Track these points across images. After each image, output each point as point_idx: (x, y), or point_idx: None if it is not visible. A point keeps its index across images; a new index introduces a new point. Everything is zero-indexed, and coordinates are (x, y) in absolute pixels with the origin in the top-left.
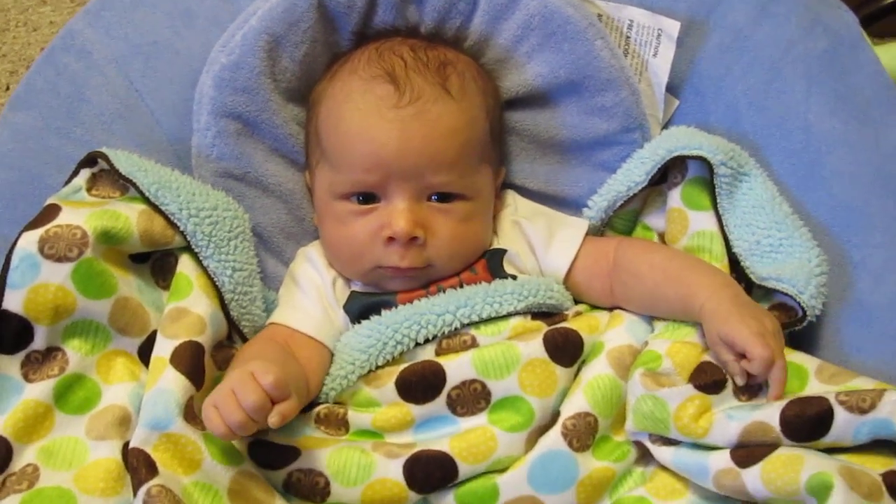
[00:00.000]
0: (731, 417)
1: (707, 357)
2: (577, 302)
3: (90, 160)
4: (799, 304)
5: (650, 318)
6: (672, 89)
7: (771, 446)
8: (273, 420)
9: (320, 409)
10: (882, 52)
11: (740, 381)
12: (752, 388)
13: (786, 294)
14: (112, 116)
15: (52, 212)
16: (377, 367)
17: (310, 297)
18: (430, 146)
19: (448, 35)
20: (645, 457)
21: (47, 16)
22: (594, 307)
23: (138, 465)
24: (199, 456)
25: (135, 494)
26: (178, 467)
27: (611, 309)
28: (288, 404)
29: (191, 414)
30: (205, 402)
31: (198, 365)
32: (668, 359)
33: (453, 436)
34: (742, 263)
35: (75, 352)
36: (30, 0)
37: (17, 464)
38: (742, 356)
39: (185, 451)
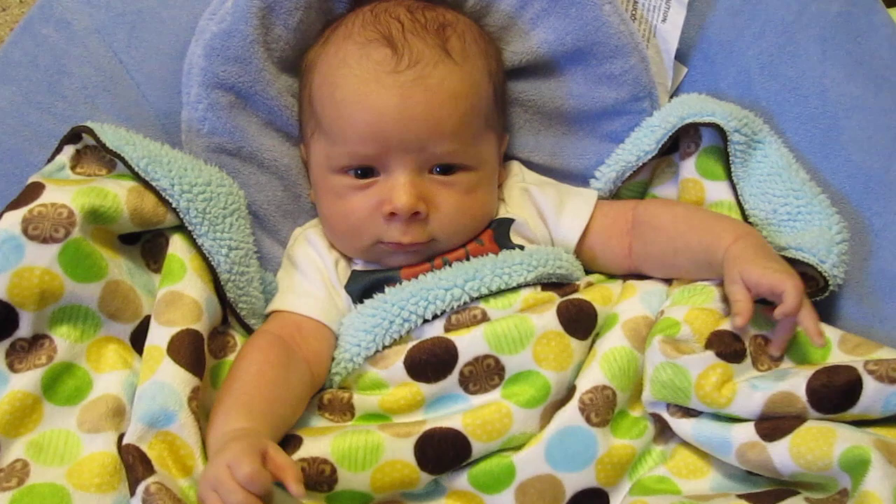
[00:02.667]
0: (755, 387)
1: (725, 325)
2: (588, 272)
3: (74, 136)
4: (821, 273)
5: (664, 289)
6: (680, 56)
7: (798, 418)
8: None
9: (324, 394)
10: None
11: (739, 322)
12: (770, 359)
13: (806, 264)
14: (95, 90)
15: (35, 190)
16: (383, 347)
17: (312, 280)
18: (432, 113)
19: None
20: (664, 434)
21: None
22: (606, 277)
23: (134, 462)
24: (190, 462)
25: (131, 491)
26: (173, 468)
27: (624, 279)
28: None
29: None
30: (200, 486)
31: (199, 356)
32: (686, 325)
33: (466, 412)
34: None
35: (63, 339)
36: None
37: (5, 459)
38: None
39: (178, 455)
